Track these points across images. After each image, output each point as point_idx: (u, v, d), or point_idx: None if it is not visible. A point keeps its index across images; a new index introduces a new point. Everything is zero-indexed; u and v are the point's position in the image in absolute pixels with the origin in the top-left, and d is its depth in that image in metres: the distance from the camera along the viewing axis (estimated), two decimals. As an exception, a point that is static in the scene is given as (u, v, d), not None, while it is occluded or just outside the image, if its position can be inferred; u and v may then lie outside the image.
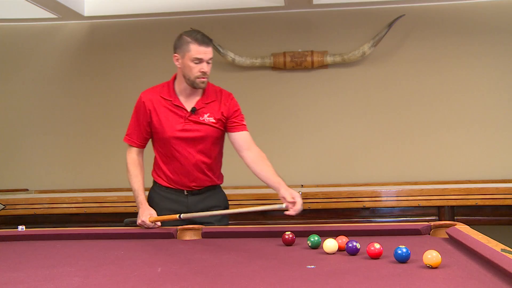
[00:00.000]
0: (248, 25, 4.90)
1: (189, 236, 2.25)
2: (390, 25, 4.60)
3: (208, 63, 2.38)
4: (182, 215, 2.26)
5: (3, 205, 3.75)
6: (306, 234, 2.02)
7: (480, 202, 3.46)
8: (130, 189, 2.57)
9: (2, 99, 5.12)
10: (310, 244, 1.91)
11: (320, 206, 3.54)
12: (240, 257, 1.81)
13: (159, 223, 2.34)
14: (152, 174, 2.62)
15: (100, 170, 4.89)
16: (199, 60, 2.34)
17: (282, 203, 2.13)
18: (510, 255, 1.44)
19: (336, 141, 4.81)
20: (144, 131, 2.51)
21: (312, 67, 4.76)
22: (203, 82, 2.40)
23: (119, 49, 5.03)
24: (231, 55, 4.74)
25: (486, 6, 4.66)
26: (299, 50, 4.75)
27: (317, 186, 4.45)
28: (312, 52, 4.71)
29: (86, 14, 4.85)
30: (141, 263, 1.76)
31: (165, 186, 2.54)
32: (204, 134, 2.46)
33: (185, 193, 2.52)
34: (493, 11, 4.65)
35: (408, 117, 4.74)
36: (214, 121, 2.47)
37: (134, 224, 2.43)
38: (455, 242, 1.88)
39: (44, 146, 5.06)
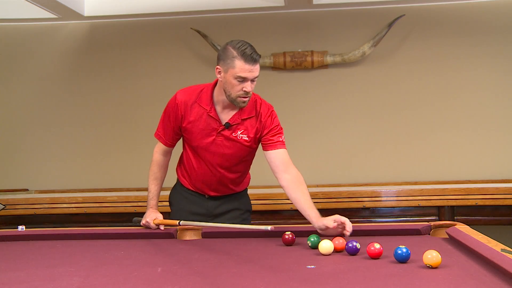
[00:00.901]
0: (248, 25, 4.90)
1: (189, 236, 2.25)
2: (390, 25, 4.60)
3: (252, 81, 2.15)
4: (181, 222, 2.22)
5: (3, 205, 3.74)
6: (306, 234, 2.02)
7: (480, 202, 3.46)
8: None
9: (2, 99, 5.12)
10: (310, 244, 1.91)
11: (320, 206, 3.49)
12: (240, 257, 1.81)
13: (162, 227, 2.31)
14: (176, 170, 2.53)
15: (100, 170, 4.89)
16: (243, 79, 2.12)
17: (267, 226, 1.88)
18: (510, 255, 1.44)
19: (336, 141, 4.81)
20: (174, 132, 2.37)
21: (312, 67, 4.75)
22: (244, 102, 2.19)
23: (119, 49, 5.02)
24: (231, 55, 4.73)
25: (486, 6, 4.66)
26: (299, 50, 4.75)
27: (317, 186, 4.45)
28: (312, 52, 4.71)
29: (86, 14, 4.85)
30: (141, 263, 1.76)
31: (187, 188, 2.48)
32: (233, 151, 2.31)
33: (206, 197, 2.47)
34: (493, 11, 4.65)
35: (408, 117, 4.74)
36: (247, 139, 2.30)
37: (139, 223, 2.43)
38: (455, 242, 1.88)
39: (44, 146, 5.06)
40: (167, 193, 2.61)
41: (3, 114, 5.11)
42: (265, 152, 2.32)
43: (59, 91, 5.07)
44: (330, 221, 2.01)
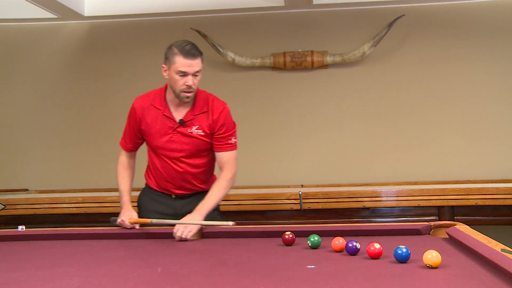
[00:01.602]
0: (248, 25, 4.90)
1: (189, 236, 2.26)
2: (390, 25, 4.61)
3: (195, 75, 2.29)
4: (153, 221, 2.29)
5: (3, 205, 3.74)
6: (306, 234, 2.02)
7: (480, 202, 3.46)
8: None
9: (2, 99, 5.12)
10: (310, 244, 1.91)
11: (320, 206, 3.53)
12: (240, 257, 1.81)
13: (137, 226, 2.37)
14: (144, 175, 2.66)
15: (100, 170, 4.89)
16: (184, 73, 2.27)
17: (229, 222, 2.08)
18: (510, 255, 1.44)
19: (336, 141, 4.81)
20: (136, 136, 2.54)
21: (312, 67, 4.75)
22: (187, 97, 2.33)
23: (119, 49, 5.03)
24: (231, 55, 4.74)
25: (486, 6, 4.66)
26: (299, 50, 4.75)
27: (317, 186, 4.45)
28: (312, 52, 4.71)
29: (86, 14, 4.85)
30: (141, 263, 1.76)
31: (154, 189, 2.59)
32: (191, 147, 2.44)
33: (173, 196, 2.56)
34: (493, 11, 4.65)
35: (408, 117, 4.74)
36: (202, 133, 2.42)
37: (115, 223, 2.46)
38: (455, 242, 1.88)
39: (44, 146, 5.06)
40: (137, 193, 2.68)
41: (3, 114, 5.11)
42: (214, 151, 2.49)
43: (59, 91, 5.07)
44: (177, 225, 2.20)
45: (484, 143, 4.64)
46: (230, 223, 2.01)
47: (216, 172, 2.62)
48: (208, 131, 2.42)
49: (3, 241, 2.25)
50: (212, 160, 2.56)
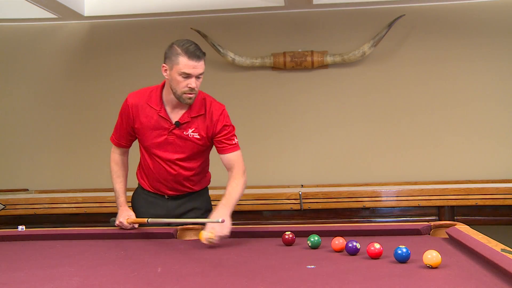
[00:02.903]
0: (248, 25, 4.90)
1: (189, 236, 2.26)
2: (390, 25, 4.60)
3: (198, 78, 2.21)
4: (149, 220, 2.25)
5: (3, 205, 3.74)
6: (306, 234, 2.02)
7: (480, 202, 3.46)
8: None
9: (2, 99, 5.12)
10: (310, 244, 1.91)
11: (320, 206, 3.53)
12: (240, 257, 1.81)
13: (136, 225, 2.36)
14: (136, 174, 2.60)
15: (100, 170, 4.88)
16: (187, 75, 2.18)
17: (218, 218, 1.99)
18: (510, 255, 1.44)
19: (336, 141, 4.81)
20: (129, 134, 2.46)
21: (312, 67, 4.75)
22: (190, 98, 2.24)
23: (119, 49, 5.02)
24: (231, 55, 4.74)
25: (486, 6, 4.66)
26: (299, 50, 4.75)
27: (317, 186, 4.45)
28: (312, 52, 4.71)
29: (86, 14, 4.85)
30: (141, 263, 1.76)
31: (147, 190, 2.54)
32: (185, 150, 2.37)
33: (166, 197, 2.51)
34: (493, 11, 4.65)
35: (408, 117, 4.74)
36: (198, 137, 2.35)
37: (114, 223, 2.45)
38: (455, 242, 1.88)
39: (44, 146, 5.06)
40: (130, 193, 2.64)
41: (3, 114, 5.11)
42: (219, 154, 2.40)
43: (59, 91, 5.07)
44: (209, 228, 2.05)
45: (484, 143, 4.64)
46: (220, 219, 1.96)
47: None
48: (205, 135, 2.36)
49: (3, 241, 2.26)
50: (206, 162, 2.52)
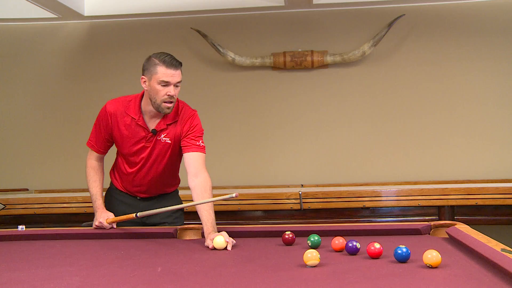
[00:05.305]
0: (248, 25, 4.90)
1: (189, 236, 2.26)
2: (390, 25, 4.61)
3: (176, 86, 2.30)
4: (138, 214, 2.27)
5: (3, 205, 3.74)
6: (306, 234, 2.02)
7: (480, 202, 3.46)
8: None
9: (2, 99, 5.12)
10: (310, 244, 1.91)
11: (320, 206, 3.53)
12: (240, 256, 1.81)
13: (115, 225, 2.39)
14: (110, 173, 2.65)
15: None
16: (166, 83, 2.28)
17: (232, 193, 1.93)
18: (510, 255, 1.44)
19: (336, 141, 4.81)
20: (106, 140, 2.53)
21: (312, 67, 4.76)
22: (168, 108, 2.32)
23: (119, 49, 5.02)
24: (231, 55, 4.74)
25: (486, 6, 4.66)
26: (299, 50, 4.75)
27: (317, 186, 4.45)
28: (312, 52, 4.71)
29: (86, 14, 4.86)
30: (141, 263, 1.76)
31: (119, 189, 2.60)
32: (160, 155, 2.44)
33: (138, 198, 2.58)
34: (493, 11, 4.65)
35: (408, 117, 4.74)
36: (170, 142, 2.42)
37: (90, 226, 2.46)
38: (455, 242, 1.88)
39: (44, 146, 5.06)
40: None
41: (3, 114, 5.11)
42: (183, 153, 2.41)
43: (59, 91, 5.07)
44: (210, 242, 1.99)
45: (484, 143, 4.64)
46: (234, 194, 1.92)
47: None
48: (175, 138, 2.42)
49: (3, 241, 2.25)
50: (177, 165, 2.56)
